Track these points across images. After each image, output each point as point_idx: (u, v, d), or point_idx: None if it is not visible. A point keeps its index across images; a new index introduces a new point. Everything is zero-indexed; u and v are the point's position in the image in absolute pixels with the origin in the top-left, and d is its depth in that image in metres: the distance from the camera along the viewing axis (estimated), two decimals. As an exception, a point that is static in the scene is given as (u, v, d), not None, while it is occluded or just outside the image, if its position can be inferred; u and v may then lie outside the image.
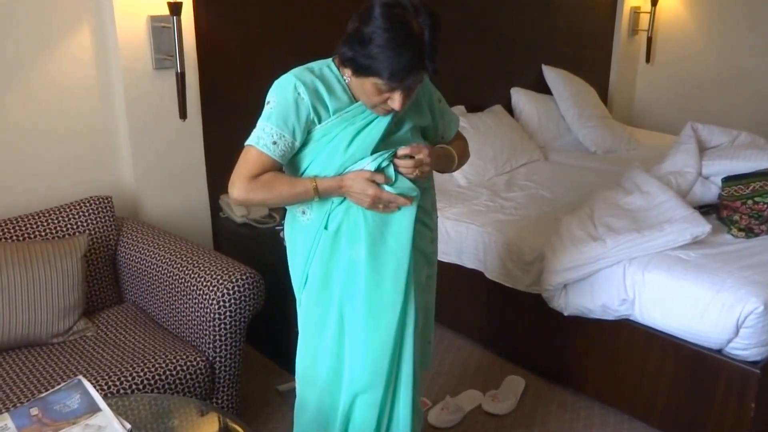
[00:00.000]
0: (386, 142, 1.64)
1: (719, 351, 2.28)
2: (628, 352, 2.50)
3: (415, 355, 1.76)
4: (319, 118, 1.60)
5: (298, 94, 1.57)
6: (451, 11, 3.73)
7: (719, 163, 2.93)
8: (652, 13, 4.85)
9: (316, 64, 1.63)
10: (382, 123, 1.61)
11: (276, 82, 1.61)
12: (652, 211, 2.65)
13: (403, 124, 1.67)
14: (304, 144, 1.63)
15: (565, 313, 2.58)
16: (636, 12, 4.93)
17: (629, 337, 2.48)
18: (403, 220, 1.67)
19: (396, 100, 1.53)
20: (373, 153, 1.62)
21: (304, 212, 1.71)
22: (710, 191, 2.87)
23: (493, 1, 3.96)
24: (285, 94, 1.58)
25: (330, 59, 1.63)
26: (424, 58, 1.46)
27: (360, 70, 1.50)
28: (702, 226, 2.43)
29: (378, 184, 1.60)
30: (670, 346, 2.38)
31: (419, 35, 1.45)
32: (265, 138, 1.58)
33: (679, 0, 4.88)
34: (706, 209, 2.81)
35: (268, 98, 1.61)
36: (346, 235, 1.67)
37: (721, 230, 2.65)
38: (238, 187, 1.61)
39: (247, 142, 1.62)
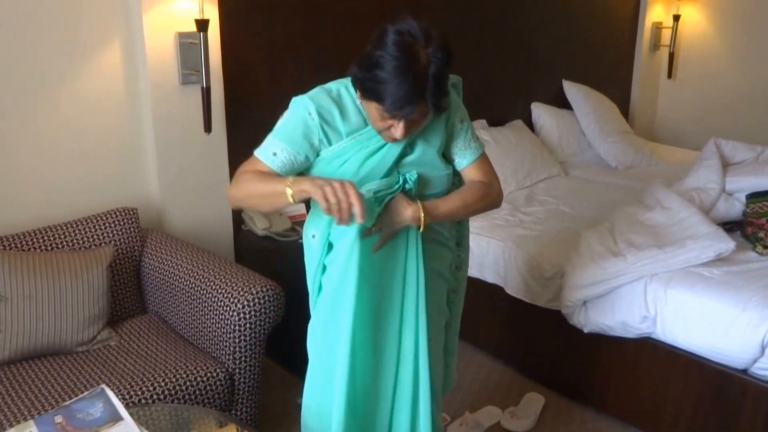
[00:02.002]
0: (399, 165, 1.63)
1: (744, 371, 2.25)
2: (650, 371, 2.47)
3: (432, 375, 1.73)
4: (329, 140, 1.60)
5: (309, 114, 1.58)
6: (473, 26, 3.75)
7: (743, 179, 2.91)
8: (674, 29, 4.84)
9: (335, 85, 1.63)
10: (396, 147, 1.60)
11: (293, 99, 1.62)
12: (674, 228, 2.63)
13: (416, 146, 1.64)
14: (317, 165, 1.64)
15: (585, 330, 2.56)
16: (658, 27, 4.91)
17: (651, 355, 2.46)
18: (351, 255, 1.63)
19: (399, 129, 1.51)
20: (385, 176, 1.61)
21: (314, 236, 1.73)
22: (734, 208, 2.84)
23: (514, 17, 3.98)
24: (297, 112, 1.60)
25: (350, 78, 1.63)
26: (425, 92, 1.44)
27: (365, 93, 1.50)
28: (726, 243, 2.40)
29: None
30: (694, 365, 2.35)
31: (424, 67, 1.43)
32: (267, 149, 1.61)
33: (701, 15, 4.86)
34: (730, 226, 2.78)
35: (283, 114, 1.64)
36: (346, 260, 1.66)
37: (746, 247, 2.62)
38: (231, 184, 1.63)
39: (254, 151, 1.65)
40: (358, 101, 1.58)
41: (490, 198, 1.74)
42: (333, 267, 1.70)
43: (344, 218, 1.42)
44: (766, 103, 4.64)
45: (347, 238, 1.62)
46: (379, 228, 1.61)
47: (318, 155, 1.63)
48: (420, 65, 1.43)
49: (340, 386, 1.68)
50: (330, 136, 1.60)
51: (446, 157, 1.73)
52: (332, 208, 1.41)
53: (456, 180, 1.79)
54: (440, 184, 1.69)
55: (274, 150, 1.59)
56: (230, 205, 1.65)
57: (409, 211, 1.60)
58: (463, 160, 1.73)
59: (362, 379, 1.72)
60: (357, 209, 1.42)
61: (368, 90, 1.48)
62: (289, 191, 1.50)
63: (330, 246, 1.70)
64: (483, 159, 1.75)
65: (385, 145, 1.60)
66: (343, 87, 1.62)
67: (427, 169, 1.66)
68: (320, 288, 1.77)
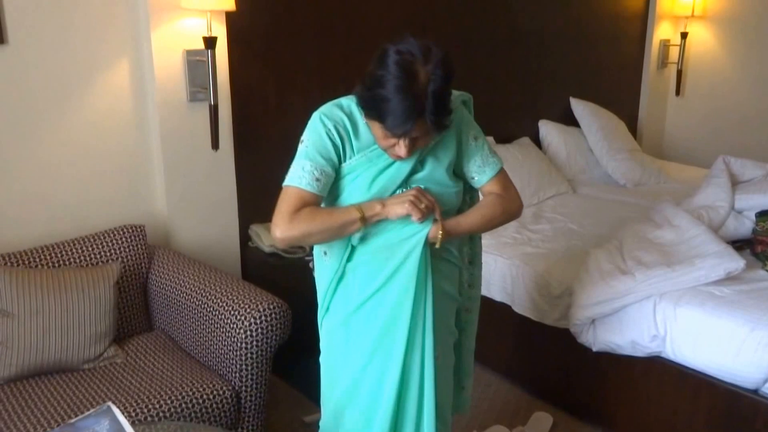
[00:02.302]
0: (409, 181, 1.63)
1: (756, 391, 2.22)
2: (659, 390, 2.45)
3: (437, 395, 1.72)
4: (345, 154, 1.62)
5: (330, 131, 1.59)
6: (480, 44, 3.77)
7: (752, 197, 2.89)
8: (682, 46, 4.84)
9: (345, 100, 1.65)
10: (406, 164, 1.61)
11: (310, 122, 1.63)
12: (683, 246, 2.62)
13: (426, 163, 1.65)
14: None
15: (594, 349, 2.54)
16: (665, 44, 4.92)
17: (660, 374, 2.43)
18: (412, 257, 1.63)
19: (401, 148, 1.52)
20: (395, 192, 1.62)
21: (325, 253, 1.73)
22: (744, 226, 2.83)
23: (521, 34, 3.99)
24: (316, 130, 1.60)
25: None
26: (424, 109, 1.45)
27: (368, 112, 1.52)
28: (736, 262, 2.38)
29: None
30: (704, 385, 2.32)
31: (424, 85, 1.44)
32: (306, 176, 1.57)
33: (709, 33, 4.87)
34: (739, 244, 2.76)
35: (302, 138, 1.63)
36: (360, 277, 1.68)
37: (756, 266, 2.60)
38: (281, 226, 1.56)
39: (285, 183, 1.60)
40: (363, 120, 1.60)
41: (510, 211, 1.77)
42: (355, 277, 1.69)
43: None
44: (775, 120, 4.63)
45: (394, 251, 1.63)
46: None
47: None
48: (419, 83, 1.44)
49: (385, 410, 1.68)
50: (347, 151, 1.62)
51: (458, 174, 1.74)
52: (424, 215, 1.56)
53: (467, 197, 1.80)
54: (449, 201, 1.69)
55: (315, 175, 1.57)
56: (279, 246, 1.62)
57: (431, 229, 1.61)
58: (483, 177, 1.74)
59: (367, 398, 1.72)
60: (437, 208, 1.60)
61: (370, 109, 1.50)
62: (357, 216, 1.55)
63: (349, 257, 1.68)
64: (502, 174, 1.77)
65: (394, 162, 1.60)
66: (354, 103, 1.64)
67: (437, 186, 1.66)
68: (328, 307, 1.77)
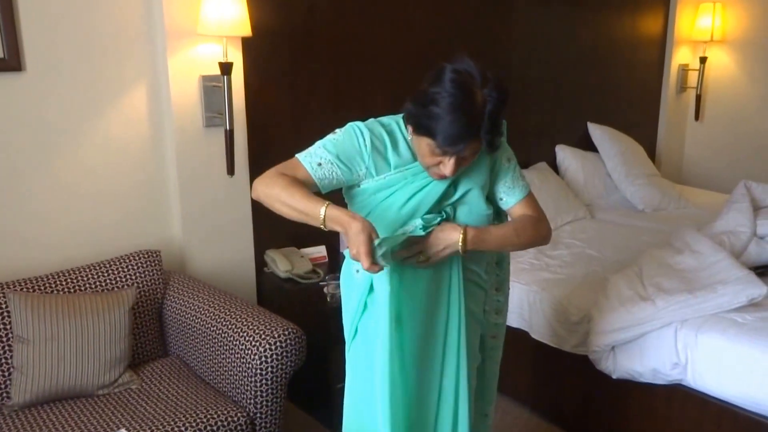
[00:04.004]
0: (441, 204, 1.64)
1: (780, 420, 2.17)
2: (681, 420, 2.39)
3: (471, 420, 1.72)
4: (377, 170, 1.61)
5: (363, 141, 1.60)
6: (497, 68, 3.77)
7: (774, 222, 2.85)
8: (701, 71, 4.82)
9: (386, 119, 1.66)
10: (440, 185, 1.61)
11: (348, 124, 1.64)
12: (705, 272, 2.58)
13: (459, 186, 1.66)
14: (363, 195, 1.65)
15: (614, 376, 2.49)
16: (684, 69, 4.90)
17: (682, 403, 2.38)
18: (444, 275, 1.64)
19: (448, 166, 1.52)
20: (426, 214, 1.62)
21: (357, 271, 1.71)
22: (766, 251, 2.78)
23: (538, 59, 4.00)
24: (351, 136, 1.61)
25: (400, 115, 1.66)
26: (479, 129, 1.46)
27: (418, 129, 1.52)
28: (758, 288, 2.34)
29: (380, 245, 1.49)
30: (727, 414, 2.27)
31: (480, 106, 1.46)
32: (312, 156, 1.59)
33: (729, 58, 4.84)
34: (762, 270, 2.71)
35: (336, 130, 1.63)
36: (393, 295, 1.65)
37: (779, 292, 2.54)
38: (264, 178, 1.57)
39: (296, 155, 1.62)
40: (409, 137, 1.60)
41: (542, 232, 1.75)
42: (373, 308, 1.68)
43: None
44: (797, 144, 4.58)
45: (382, 282, 1.60)
46: (426, 260, 1.60)
47: (359, 186, 1.63)
48: (476, 103, 1.46)
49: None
50: (378, 166, 1.61)
51: (489, 197, 1.75)
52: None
53: (496, 222, 1.79)
54: (480, 224, 1.69)
55: (319, 160, 1.58)
56: (253, 196, 1.60)
57: (454, 234, 1.58)
58: (511, 198, 1.75)
59: (404, 424, 1.70)
60: (364, 265, 1.45)
61: (421, 126, 1.50)
62: (320, 219, 1.49)
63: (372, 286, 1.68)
64: (531, 197, 1.78)
65: (430, 182, 1.61)
66: (394, 122, 1.66)
67: (470, 208, 1.67)
68: (356, 330, 1.75)
